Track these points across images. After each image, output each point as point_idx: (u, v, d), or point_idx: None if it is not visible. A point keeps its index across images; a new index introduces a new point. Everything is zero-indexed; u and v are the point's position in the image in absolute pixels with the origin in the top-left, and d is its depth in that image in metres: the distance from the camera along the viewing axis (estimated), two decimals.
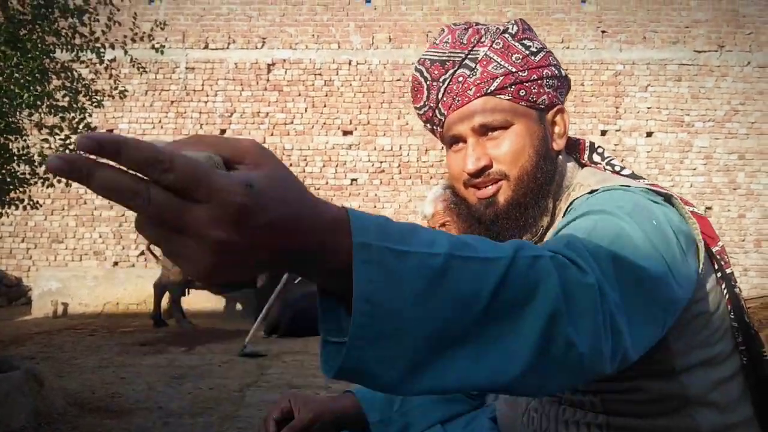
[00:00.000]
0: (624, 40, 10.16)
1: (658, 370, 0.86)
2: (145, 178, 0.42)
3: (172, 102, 10.21)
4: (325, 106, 10.02)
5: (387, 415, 1.16)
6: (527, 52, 0.98)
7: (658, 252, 0.73)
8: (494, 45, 0.97)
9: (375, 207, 9.81)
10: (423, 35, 10.02)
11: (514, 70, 0.96)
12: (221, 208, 0.43)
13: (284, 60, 10.09)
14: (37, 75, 5.02)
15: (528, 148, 0.97)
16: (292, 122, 10.01)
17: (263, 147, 0.48)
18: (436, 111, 1.01)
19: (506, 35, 0.98)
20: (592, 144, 1.06)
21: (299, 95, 10.05)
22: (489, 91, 0.96)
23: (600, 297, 0.60)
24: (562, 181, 1.02)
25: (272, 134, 9.95)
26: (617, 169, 1.00)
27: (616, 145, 9.95)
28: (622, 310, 0.63)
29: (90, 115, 5.99)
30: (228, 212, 0.43)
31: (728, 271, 0.93)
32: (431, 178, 9.83)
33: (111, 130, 9.41)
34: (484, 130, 0.97)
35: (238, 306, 9.25)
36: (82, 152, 0.40)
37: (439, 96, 1.00)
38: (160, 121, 10.19)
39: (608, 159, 1.03)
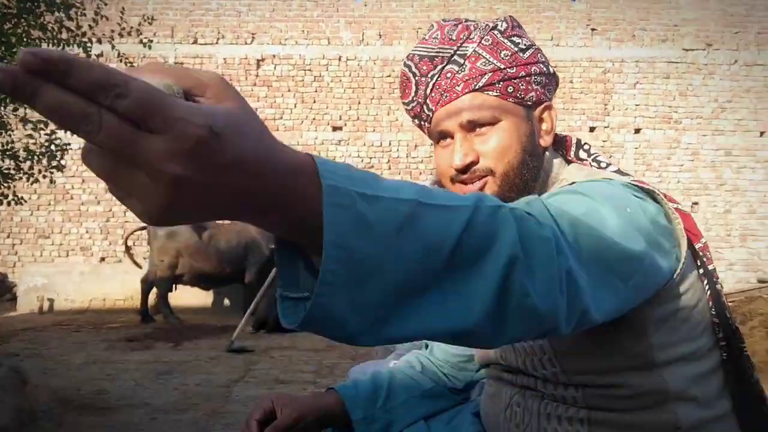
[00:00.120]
0: (613, 38, 10.20)
1: (639, 364, 0.87)
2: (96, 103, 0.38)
3: None
4: (314, 101, 9.99)
5: (370, 412, 1.15)
6: (516, 48, 0.98)
7: (627, 232, 0.74)
8: (483, 41, 0.97)
9: None
10: (413, 32, 10.01)
11: (502, 66, 0.96)
12: (179, 140, 0.39)
13: (274, 55, 10.04)
14: None
15: (515, 145, 0.97)
16: (281, 118, 9.97)
17: (227, 82, 0.45)
18: (424, 106, 1.02)
19: (495, 32, 0.99)
20: (578, 141, 1.07)
21: (289, 91, 10.01)
22: (477, 87, 0.96)
23: (556, 251, 0.60)
24: (548, 178, 1.03)
25: None
26: (603, 165, 1.01)
27: (604, 141, 10.00)
28: (582, 270, 0.64)
29: None
30: (186, 145, 0.39)
31: (710, 267, 0.94)
32: (420, 174, 9.83)
33: None
34: (471, 126, 0.98)
35: (226, 301, 9.23)
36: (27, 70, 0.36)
37: (428, 91, 1.00)
38: None
39: (594, 155, 1.04)
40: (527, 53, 0.99)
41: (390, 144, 9.96)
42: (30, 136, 5.64)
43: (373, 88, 10.01)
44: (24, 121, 5.45)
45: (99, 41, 5.94)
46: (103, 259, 9.47)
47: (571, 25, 10.19)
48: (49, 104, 0.37)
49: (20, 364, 4.03)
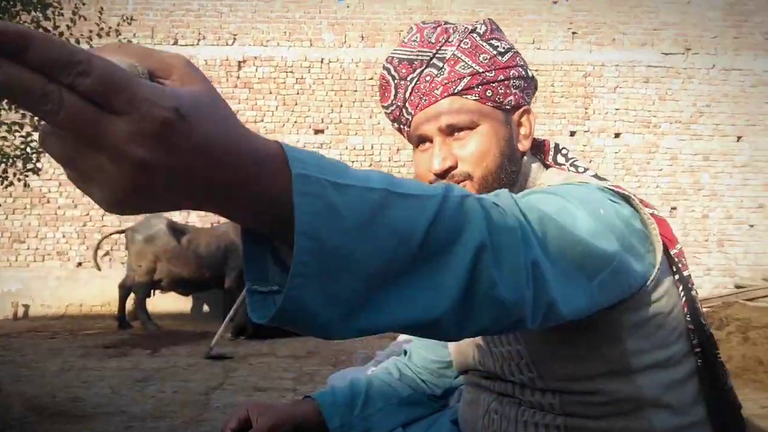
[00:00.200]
0: (594, 41, 10.29)
1: (614, 370, 0.88)
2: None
3: None
4: (296, 104, 9.95)
5: (348, 420, 1.15)
6: (495, 52, 0.98)
7: (597, 232, 0.74)
8: (462, 45, 0.98)
9: None
10: (396, 34, 10.02)
11: (481, 70, 0.97)
12: (144, 122, 0.37)
13: (255, 57, 9.99)
14: None
15: (493, 149, 0.97)
16: (262, 120, 9.91)
17: (192, 64, 0.43)
18: (404, 110, 1.02)
19: (474, 35, 0.99)
20: (556, 145, 1.07)
21: (270, 93, 9.96)
22: (456, 91, 0.97)
23: (522, 242, 0.60)
24: (526, 182, 1.04)
25: None
26: (581, 170, 1.01)
27: (584, 146, 10.08)
28: (548, 262, 0.64)
29: None
30: (151, 127, 0.38)
31: (686, 273, 0.94)
32: (402, 177, 9.84)
33: None
34: (450, 130, 0.98)
35: (205, 307, 9.15)
36: None
37: (407, 95, 1.00)
38: None
39: (572, 160, 1.04)
40: (506, 57, 0.99)
41: (372, 147, 9.95)
42: (4, 138, 5.54)
43: (356, 90, 10.01)
44: None
45: (77, 42, 5.85)
46: (80, 264, 9.32)
47: (553, 28, 10.26)
48: (5, 81, 0.35)
49: None
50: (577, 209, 0.74)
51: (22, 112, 5.50)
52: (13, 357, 5.45)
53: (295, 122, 9.94)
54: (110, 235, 8.65)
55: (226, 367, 5.12)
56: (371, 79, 9.97)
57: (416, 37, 1.00)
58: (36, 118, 5.56)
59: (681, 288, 0.93)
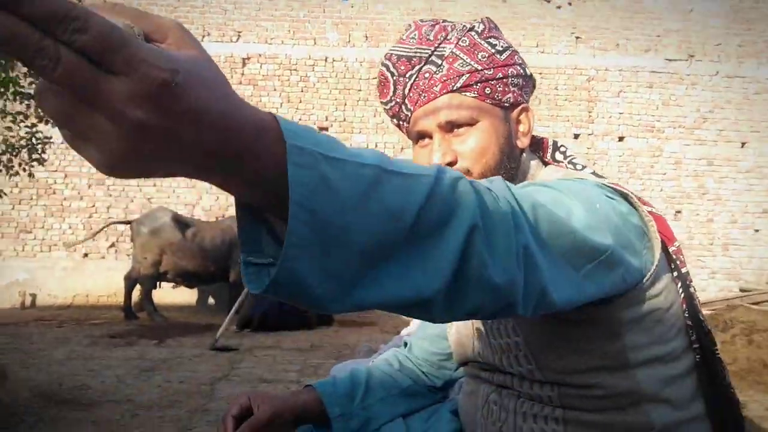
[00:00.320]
0: (597, 46, 10.30)
1: (613, 364, 0.88)
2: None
3: None
4: (300, 101, 9.97)
5: (348, 410, 1.15)
6: (493, 50, 0.99)
7: (590, 224, 0.74)
8: (460, 42, 0.98)
9: None
10: (399, 34, 9.94)
11: (479, 67, 0.97)
12: (142, 83, 0.37)
13: (260, 54, 10.01)
14: (1, 61, 4.91)
15: (493, 146, 0.98)
16: None
17: (187, 29, 0.43)
18: (403, 106, 1.02)
19: (473, 33, 0.99)
20: (555, 143, 1.08)
21: (274, 90, 9.98)
22: (455, 88, 0.97)
23: (514, 227, 0.60)
24: (525, 179, 1.04)
25: None
26: (579, 168, 1.02)
27: (588, 148, 10.09)
28: (540, 248, 0.64)
29: None
30: (149, 88, 0.37)
31: (684, 270, 0.94)
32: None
33: None
34: (449, 127, 0.99)
35: (211, 300, 9.19)
36: None
37: (406, 91, 1.00)
38: None
39: (570, 158, 1.04)
40: (504, 55, 0.99)
41: (376, 146, 9.95)
42: (9, 128, 5.58)
43: (360, 89, 10.02)
44: (3, 113, 5.39)
45: None
46: (86, 254, 9.39)
47: (556, 32, 10.27)
48: (1, 33, 0.34)
49: (0, 358, 4.01)
50: (571, 202, 0.74)
51: (26, 103, 5.55)
52: (21, 345, 5.48)
53: (300, 120, 9.96)
54: (112, 223, 8.65)
55: (231, 358, 5.12)
56: (375, 78, 9.87)
57: (415, 35, 1.00)
58: (40, 109, 5.63)
59: (679, 284, 0.93)
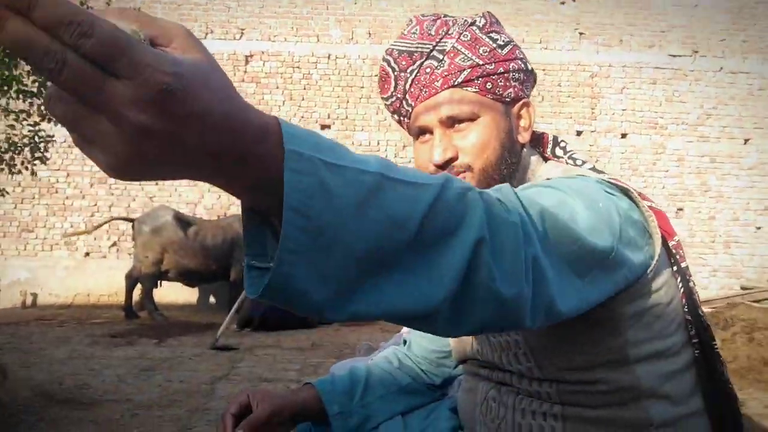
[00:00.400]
0: (601, 42, 10.27)
1: (613, 360, 0.87)
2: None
3: None
4: (303, 99, 9.97)
5: (347, 407, 1.15)
6: (494, 45, 0.98)
7: (595, 227, 0.74)
8: (462, 37, 0.97)
9: None
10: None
11: (481, 62, 0.97)
12: (146, 87, 0.38)
13: (262, 52, 10.01)
14: (4, 59, 4.90)
15: (493, 141, 0.97)
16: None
17: (192, 33, 0.44)
18: (404, 102, 1.02)
19: (474, 28, 0.99)
20: (555, 138, 1.07)
21: (277, 88, 9.98)
22: (456, 83, 0.97)
23: (523, 237, 0.60)
24: (525, 174, 1.04)
25: None
26: (579, 163, 1.01)
27: (591, 145, 10.07)
28: (548, 259, 0.63)
29: None
30: (153, 92, 0.38)
31: (683, 265, 0.94)
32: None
33: None
34: (450, 122, 0.98)
35: (212, 299, 9.20)
36: None
37: (407, 87, 1.00)
38: None
39: (570, 153, 1.04)
40: (505, 49, 0.99)
41: (378, 143, 9.96)
42: (12, 126, 5.58)
43: (362, 87, 10.01)
44: (6, 111, 5.39)
45: None
46: (87, 254, 9.40)
47: (560, 28, 10.24)
48: (10, 35, 0.36)
49: (0, 357, 4.00)
50: (575, 203, 0.74)
51: (29, 101, 5.55)
52: (21, 344, 5.49)
53: (302, 117, 9.96)
54: (118, 219, 8.66)
55: (231, 358, 5.12)
56: (378, 75, 9.96)
57: (416, 30, 1.00)
58: (43, 108, 5.59)
59: (679, 279, 0.93)
